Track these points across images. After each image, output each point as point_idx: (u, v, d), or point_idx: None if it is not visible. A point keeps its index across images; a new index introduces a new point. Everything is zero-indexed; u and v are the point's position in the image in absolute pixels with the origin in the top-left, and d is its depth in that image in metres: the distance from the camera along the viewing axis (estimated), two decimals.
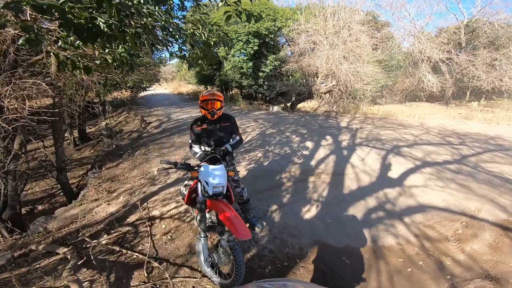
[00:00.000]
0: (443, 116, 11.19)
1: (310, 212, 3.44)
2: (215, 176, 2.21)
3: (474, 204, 3.61)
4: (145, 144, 7.18)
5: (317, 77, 12.05)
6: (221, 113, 2.62)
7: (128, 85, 8.06)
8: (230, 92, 18.98)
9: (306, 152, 5.45)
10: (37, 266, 2.80)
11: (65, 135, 10.43)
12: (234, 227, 1.95)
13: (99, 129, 12.41)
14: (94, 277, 2.45)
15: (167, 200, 3.82)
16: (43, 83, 3.62)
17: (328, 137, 6.63)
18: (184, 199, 2.62)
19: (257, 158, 5.18)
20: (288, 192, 3.91)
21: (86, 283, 2.37)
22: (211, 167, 2.26)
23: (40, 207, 5.79)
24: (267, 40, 13.85)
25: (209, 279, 2.35)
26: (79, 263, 2.55)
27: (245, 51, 13.63)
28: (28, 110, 3.46)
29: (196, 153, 2.66)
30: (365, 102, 12.37)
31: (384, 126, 8.20)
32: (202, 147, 2.72)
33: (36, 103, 5.31)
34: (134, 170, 5.44)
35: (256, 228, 3.00)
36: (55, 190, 6.40)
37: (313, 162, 4.96)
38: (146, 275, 2.44)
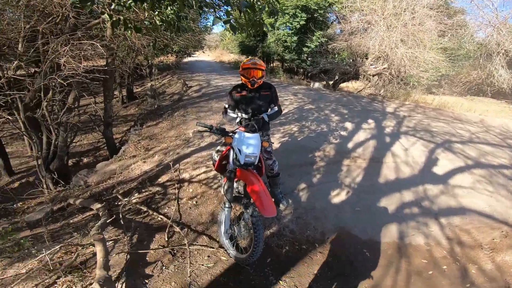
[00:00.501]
0: (509, 116, 9.75)
1: (339, 196, 3.28)
2: (249, 145, 2.14)
3: None
4: (184, 107, 7.42)
5: (366, 58, 11.19)
6: (261, 82, 2.51)
7: (174, 49, 8.25)
8: (271, 65, 18.58)
9: (344, 133, 5.16)
10: (71, 221, 2.99)
11: (115, 93, 11.37)
12: (261, 202, 1.89)
13: (144, 89, 13.15)
14: (119, 237, 2.55)
15: (198, 163, 3.88)
16: (99, 45, 3.82)
17: (370, 120, 6.17)
18: (214, 165, 2.62)
19: (292, 132, 5.02)
20: (320, 172, 3.76)
21: (111, 242, 2.47)
22: (246, 134, 2.19)
23: (85, 160, 6.29)
24: (315, 15, 13.12)
25: (225, 250, 2.36)
26: (108, 221, 2.65)
27: (291, 25, 13.07)
28: (83, 68, 3.68)
29: (233, 118, 2.60)
30: (419, 90, 11.20)
31: (437, 117, 7.39)
32: (239, 114, 2.65)
33: (91, 63, 5.70)
34: (171, 130, 5.67)
35: (281, 205, 2.94)
36: (100, 144, 6.93)
37: (350, 145, 4.68)
38: (166, 239, 2.51)
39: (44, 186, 4.25)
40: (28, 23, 3.67)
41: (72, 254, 2.34)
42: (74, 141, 6.93)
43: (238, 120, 2.57)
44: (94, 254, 2.17)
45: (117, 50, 5.29)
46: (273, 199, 3.04)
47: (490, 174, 4.19)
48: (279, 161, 3.90)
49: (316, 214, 2.94)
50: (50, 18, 3.82)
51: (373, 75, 10.92)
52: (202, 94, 8.83)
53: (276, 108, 2.62)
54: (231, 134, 2.26)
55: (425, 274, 2.36)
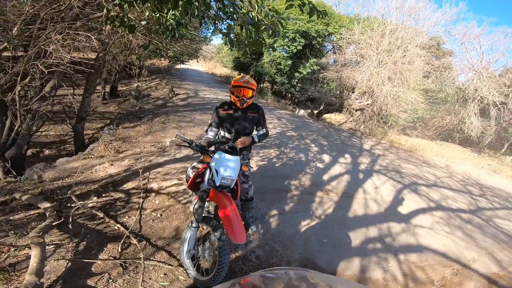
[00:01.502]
0: (472, 163, 10.52)
1: (309, 226, 3.30)
2: (228, 167, 2.09)
3: (471, 254, 3.51)
4: (166, 113, 7.28)
5: (353, 92, 11.55)
6: (251, 102, 2.46)
7: (168, 54, 8.17)
8: (262, 85, 18.85)
9: (320, 165, 5.29)
10: (11, 218, 2.65)
11: (97, 88, 10.98)
12: (231, 228, 1.84)
13: (129, 89, 12.82)
14: (63, 242, 2.32)
15: (170, 175, 3.75)
16: (94, 39, 3.74)
17: (347, 155, 6.40)
18: (187, 181, 2.52)
19: (271, 157, 5.05)
20: (293, 201, 3.78)
21: (52, 246, 2.24)
22: (226, 156, 2.12)
23: (47, 152, 5.85)
24: (313, 42, 13.39)
25: (185, 270, 2.24)
26: (54, 223, 2.38)
27: (288, 48, 13.33)
28: (70, 58, 3.55)
29: (209, 136, 2.54)
30: (395, 130, 11.79)
31: (407, 159, 7.81)
32: (222, 132, 2.59)
33: (82, 55, 5.50)
34: (148, 136, 5.49)
35: (250, 229, 2.89)
36: (68, 138, 6.53)
37: (325, 177, 4.79)
38: (119, 250, 2.32)
39: None
40: (33, 7, 3.52)
41: (3, 254, 2.08)
42: (40, 130, 6.46)
43: (212, 138, 2.52)
44: (28, 258, 1.98)
45: (111, 45, 5.15)
46: (243, 223, 3.02)
47: (449, 216, 4.47)
48: (254, 184, 3.90)
49: (284, 241, 2.93)
50: (56, 5, 3.69)
51: (356, 110, 11.34)
52: (187, 104, 8.75)
53: (264, 130, 2.59)
54: (210, 153, 2.21)
55: None
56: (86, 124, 7.50)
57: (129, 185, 3.43)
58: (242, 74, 21.56)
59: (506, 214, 5.33)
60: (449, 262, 3.28)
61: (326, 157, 5.80)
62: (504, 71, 14.11)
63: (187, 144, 2.14)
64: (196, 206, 2.10)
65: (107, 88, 10.93)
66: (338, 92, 12.09)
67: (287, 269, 1.30)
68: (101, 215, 2.71)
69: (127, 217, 2.83)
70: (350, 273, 2.76)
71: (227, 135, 2.55)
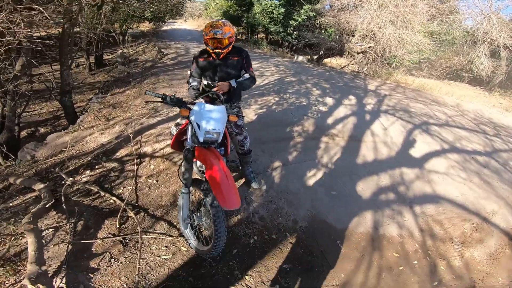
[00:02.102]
0: (482, 102, 10.03)
1: (315, 178, 3.05)
2: (210, 119, 1.77)
3: (491, 206, 3.20)
4: (156, 74, 6.82)
5: (353, 36, 10.95)
6: (229, 49, 2.11)
7: (146, 16, 7.40)
8: (256, 36, 17.70)
9: (324, 108, 4.91)
10: (10, 204, 2.50)
11: (81, 61, 10.40)
12: (220, 191, 1.56)
13: (116, 56, 12.10)
14: (60, 224, 2.16)
15: (163, 135, 3.48)
16: (46, 13, 3.26)
17: (351, 97, 5.97)
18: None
19: (270, 104, 4.69)
20: (297, 149, 3.50)
21: (51, 230, 2.11)
22: (207, 106, 1.81)
23: (42, 130, 5.64)
24: None
25: (186, 240, 2.07)
26: (47, 205, 2.24)
27: None
28: (27, 34, 3.20)
29: (193, 85, 2.21)
30: (400, 71, 11.18)
31: (416, 98, 7.35)
32: (205, 81, 2.27)
33: (49, 30, 4.99)
34: (138, 99, 5.15)
35: (252, 185, 2.66)
36: (61, 113, 6.20)
37: (329, 121, 4.45)
38: (118, 226, 2.16)
39: None
40: None
41: (5, 244, 1.97)
42: (30, 110, 6.25)
43: (197, 86, 2.20)
44: None
45: (74, 16, 4.63)
46: (243, 179, 2.76)
47: (464, 159, 4.15)
48: (254, 134, 3.60)
49: (289, 198, 2.70)
50: None
51: (358, 53, 10.73)
52: (178, 62, 8.19)
53: (247, 75, 2.21)
54: (188, 105, 1.88)
55: (395, 270, 2.23)
56: (78, 96, 7.29)
57: (121, 153, 3.22)
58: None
59: None
60: (468, 215, 3.02)
61: (329, 100, 5.40)
62: None
63: (160, 100, 1.82)
64: (182, 168, 1.84)
65: (92, 59, 10.40)
66: (337, 36, 11.32)
67: None
68: (96, 189, 2.54)
69: (122, 187, 2.65)
70: (363, 229, 2.55)
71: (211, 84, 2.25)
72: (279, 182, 2.89)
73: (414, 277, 2.19)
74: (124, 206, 2.30)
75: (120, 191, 2.60)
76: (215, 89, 2.01)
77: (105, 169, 2.91)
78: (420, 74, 13.84)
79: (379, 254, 2.33)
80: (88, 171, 2.87)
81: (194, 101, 1.93)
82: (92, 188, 2.55)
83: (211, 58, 2.15)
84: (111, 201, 2.43)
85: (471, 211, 3.08)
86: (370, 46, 10.20)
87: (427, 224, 2.77)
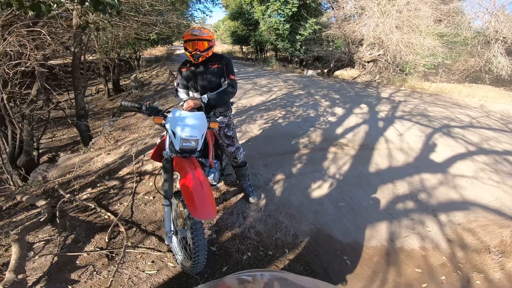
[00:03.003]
0: (508, 101, 9.36)
1: (321, 189, 2.82)
2: (186, 126, 1.66)
3: None
4: (165, 96, 6.99)
5: (361, 45, 10.81)
6: (210, 53, 2.05)
7: (152, 39, 7.83)
8: (265, 55, 18.04)
9: (332, 119, 4.71)
10: (14, 219, 2.63)
11: (101, 87, 11.02)
12: (192, 201, 1.43)
13: (131, 81, 12.74)
14: (52, 237, 2.19)
15: None
16: (50, 35, 3.50)
17: (363, 105, 5.72)
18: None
19: (276, 118, 4.55)
20: (301, 161, 3.30)
21: (42, 242, 2.14)
22: (183, 113, 1.71)
23: (62, 154, 5.95)
24: (308, 1, 12.68)
25: (174, 255, 1.95)
26: (41, 219, 2.32)
27: (282, 12, 12.60)
28: (41, 58, 3.42)
29: (180, 98, 2.17)
30: (415, 77, 10.80)
31: (434, 102, 6.95)
32: (191, 93, 2.23)
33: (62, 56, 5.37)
34: (147, 120, 5.26)
35: (250, 199, 2.51)
36: (80, 138, 6.60)
37: (339, 130, 4.23)
38: (107, 240, 2.12)
39: (11, 182, 3.92)
40: None
41: None
42: (53, 136, 6.61)
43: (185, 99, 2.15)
44: None
45: (84, 41, 4.95)
46: (241, 193, 2.61)
47: (495, 161, 3.77)
48: (257, 149, 3.48)
49: (290, 211, 2.48)
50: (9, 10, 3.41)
51: (368, 62, 10.51)
52: None
53: (226, 83, 2.11)
54: (164, 112, 1.79)
55: (417, 287, 1.91)
56: (98, 122, 7.59)
57: (124, 171, 3.26)
58: (243, 49, 20.95)
59: None
60: (506, 220, 2.65)
61: (339, 110, 5.19)
62: None
63: (136, 109, 1.76)
64: (162, 179, 1.74)
65: (110, 85, 10.98)
66: (345, 48, 11.21)
67: (264, 271, 1.25)
68: (93, 205, 2.59)
69: (118, 204, 2.65)
70: (375, 243, 2.25)
71: (195, 94, 2.19)
72: (280, 195, 2.69)
73: None
74: (116, 221, 2.28)
75: (116, 207, 2.59)
76: (183, 106, 1.92)
77: (106, 187, 2.96)
78: (438, 79, 13.35)
79: (396, 270, 2.03)
80: (89, 189, 2.94)
81: (170, 109, 1.84)
82: (90, 204, 2.61)
83: (192, 67, 2.10)
84: (106, 216, 2.45)
85: (508, 216, 2.71)
86: (379, 54, 9.98)
87: (456, 234, 2.43)
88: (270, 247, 2.13)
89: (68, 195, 2.70)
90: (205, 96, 2.00)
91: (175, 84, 2.22)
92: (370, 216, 2.53)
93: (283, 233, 2.27)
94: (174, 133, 1.67)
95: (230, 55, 19.71)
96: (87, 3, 1.39)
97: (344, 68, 12.16)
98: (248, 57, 19.20)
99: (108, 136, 4.87)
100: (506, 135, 4.97)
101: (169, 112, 1.78)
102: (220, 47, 24.06)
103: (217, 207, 2.49)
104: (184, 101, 1.93)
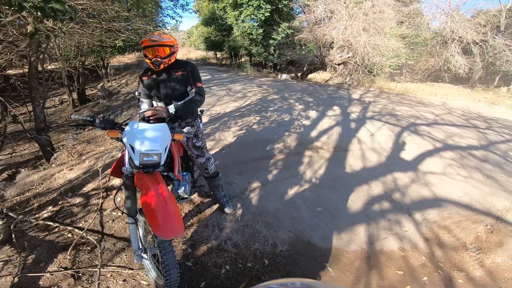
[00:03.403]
0: (468, 98, 10.12)
1: (297, 195, 2.79)
2: (145, 139, 1.53)
3: (502, 202, 2.94)
4: (135, 105, 6.67)
5: (331, 48, 11.18)
6: (173, 60, 1.93)
7: (118, 45, 7.46)
8: (240, 60, 18.05)
9: (307, 122, 4.74)
10: None
11: (65, 97, 10.31)
12: (155, 218, 1.33)
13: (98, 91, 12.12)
14: (11, 258, 2.02)
15: None
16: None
17: (336, 107, 5.85)
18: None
19: (251, 124, 4.49)
20: (277, 167, 3.26)
21: (0, 263, 1.98)
22: (141, 125, 1.58)
23: (23, 170, 5.50)
24: (280, 6, 12.89)
25: (147, 273, 1.83)
26: None
27: (256, 17, 12.72)
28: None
29: (141, 109, 2.03)
30: (382, 78, 11.36)
31: (401, 102, 7.30)
32: (154, 103, 2.09)
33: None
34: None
35: (225, 210, 2.42)
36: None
37: (313, 134, 4.26)
38: (69, 258, 1.97)
39: None
40: None
41: None
42: (11, 151, 6.07)
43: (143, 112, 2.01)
44: None
45: (43, 49, 4.56)
46: (216, 204, 2.51)
47: (461, 156, 3.97)
48: (231, 157, 3.39)
49: (268, 219, 2.42)
50: None
51: (339, 64, 10.88)
52: None
53: (193, 93, 1.99)
54: (121, 125, 1.64)
55: None
56: (62, 135, 7.07)
57: (88, 187, 3.05)
58: (217, 55, 20.82)
59: None
60: (478, 215, 2.74)
61: (313, 113, 5.25)
62: (475, 13, 14.23)
63: (88, 123, 1.59)
64: (124, 195, 1.62)
65: (75, 95, 10.33)
66: (316, 51, 11.54)
67: (295, 280, 1.21)
68: (54, 224, 2.41)
69: (83, 221, 2.46)
70: (355, 247, 2.23)
71: (159, 104, 2.05)
72: (256, 204, 2.62)
73: None
74: (82, 239, 2.16)
75: (81, 224, 2.42)
76: (147, 113, 1.78)
77: (68, 204, 2.76)
78: (402, 79, 14.14)
79: (378, 274, 2.02)
80: (50, 207, 2.73)
81: (127, 121, 1.70)
82: (50, 223, 2.42)
83: (154, 75, 1.96)
84: (69, 234, 2.29)
85: (480, 211, 2.81)
86: (349, 56, 10.38)
87: (432, 232, 2.48)
88: (248, 258, 2.05)
89: (20, 216, 2.47)
90: (171, 106, 1.88)
91: (136, 94, 2.07)
92: (348, 220, 2.52)
93: (261, 243, 2.19)
94: (132, 148, 1.53)
95: (205, 61, 19.48)
96: (28, 11, 1.23)
97: (317, 71, 12.45)
98: (223, 62, 19.09)
99: (72, 150, 4.56)
100: (469, 130, 5.30)
101: (126, 124, 1.62)
102: (194, 53, 23.79)
103: (191, 220, 2.37)
104: (147, 110, 1.79)
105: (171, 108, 1.85)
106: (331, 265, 2.04)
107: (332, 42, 10.95)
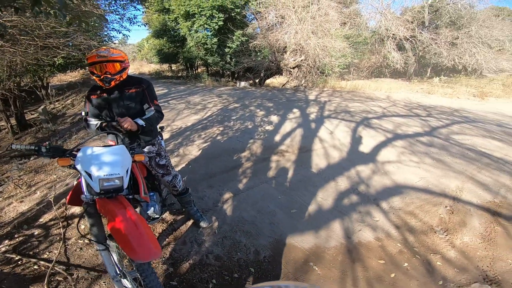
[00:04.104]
0: (407, 90, 11.33)
1: (271, 200, 2.83)
2: (103, 164, 1.43)
3: (454, 183, 3.25)
4: (86, 127, 6.15)
5: (285, 52, 11.61)
6: (124, 76, 1.82)
7: (57, 62, 6.78)
8: (196, 71, 17.76)
9: (270, 127, 4.86)
10: None
11: (2, 124, 9.05)
12: (128, 243, 1.26)
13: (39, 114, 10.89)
14: None
15: None
16: None
17: (295, 110, 6.09)
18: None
19: (215, 135, 4.47)
20: (246, 175, 3.29)
21: None
22: (96, 149, 1.48)
23: None
24: (233, 15, 12.96)
25: None
26: None
27: (209, 27, 12.64)
28: None
29: (93, 124, 1.86)
30: (333, 77, 12.15)
31: (352, 98, 7.89)
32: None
33: None
34: None
35: (201, 224, 2.36)
36: None
37: (277, 138, 4.38)
38: None
39: None
40: None
41: None
42: None
43: (97, 125, 1.86)
44: None
45: None
46: (190, 220, 2.44)
47: (410, 144, 4.35)
48: (199, 171, 3.33)
49: (245, 228, 2.42)
50: None
51: (293, 68, 11.35)
52: None
53: (152, 109, 1.91)
54: (72, 151, 1.51)
55: (387, 279, 1.97)
56: (5, 166, 6.18)
57: (45, 218, 2.82)
58: (172, 67, 20.15)
59: (459, 128, 5.42)
60: (437, 198, 2.95)
61: (275, 118, 5.40)
62: (403, 10, 15.70)
63: (33, 152, 1.46)
64: (88, 224, 1.53)
65: (13, 121, 9.14)
66: (271, 56, 11.91)
67: (288, 283, 1.16)
68: (16, 257, 2.22)
69: (48, 252, 2.28)
70: (335, 243, 2.30)
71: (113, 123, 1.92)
72: (231, 214, 2.60)
73: (413, 282, 1.96)
74: (52, 270, 1.98)
75: (46, 256, 2.24)
76: (121, 121, 1.70)
77: (26, 236, 2.53)
78: (351, 78, 15.28)
79: (362, 266, 2.10)
80: (6, 241, 2.49)
81: (79, 147, 1.57)
82: (12, 256, 2.23)
83: (105, 94, 1.83)
84: (36, 266, 2.11)
85: (437, 193, 3.04)
86: (302, 59, 10.90)
87: (400, 219, 2.63)
88: (234, 269, 2.02)
89: None
90: (139, 119, 1.78)
91: (83, 114, 1.88)
92: (323, 217, 2.62)
93: (243, 252, 2.18)
94: (89, 174, 1.42)
95: (159, 74, 18.76)
96: None
97: (274, 76, 12.84)
98: (179, 75, 18.54)
99: (18, 182, 4.09)
100: (413, 119, 5.91)
101: (78, 150, 1.50)
102: (147, 67, 22.81)
103: (167, 239, 2.28)
104: (116, 121, 1.70)
105: (140, 121, 1.77)
106: (316, 264, 2.09)
107: (285, 47, 11.36)
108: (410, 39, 14.12)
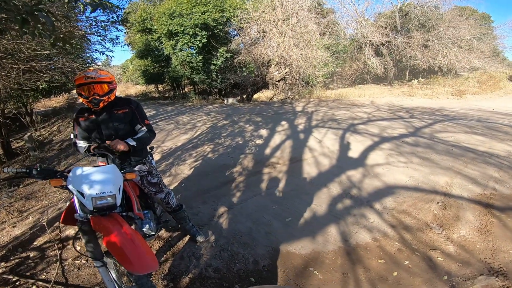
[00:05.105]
0: (389, 94, 11.75)
1: (265, 211, 2.87)
2: (94, 183, 1.47)
3: (443, 179, 3.35)
4: (75, 153, 6.07)
5: (270, 66, 11.88)
6: (112, 97, 1.85)
7: (41, 88, 6.70)
8: (183, 90, 17.84)
9: (259, 141, 4.95)
10: None
11: None
12: (124, 256, 1.30)
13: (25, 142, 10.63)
14: None
15: None
16: None
17: (283, 122, 6.24)
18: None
19: (206, 153, 4.52)
20: (239, 189, 3.33)
21: None
22: (86, 169, 1.52)
23: None
24: (216, 32, 13.19)
25: None
26: None
27: (193, 45, 12.80)
28: None
29: (82, 147, 1.89)
30: (318, 87, 12.49)
31: (338, 107, 8.14)
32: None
33: None
34: None
35: (198, 239, 2.37)
36: None
37: (267, 151, 4.46)
38: None
39: None
40: None
41: None
42: None
43: (85, 148, 1.89)
44: None
45: None
46: (187, 236, 2.45)
47: (396, 145, 4.51)
48: (192, 188, 3.36)
49: (242, 239, 2.44)
50: None
51: (279, 81, 11.63)
52: None
53: (144, 129, 1.95)
54: (63, 172, 1.55)
55: (390, 278, 1.96)
56: None
57: (40, 241, 2.80)
58: (159, 88, 20.09)
59: (442, 126, 5.65)
60: (428, 195, 3.01)
61: (264, 132, 5.52)
62: (376, 16, 16.42)
63: (24, 175, 1.50)
64: (84, 241, 1.54)
65: None
66: (256, 71, 12.16)
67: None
68: (14, 278, 2.20)
69: (45, 273, 2.26)
70: (333, 247, 2.33)
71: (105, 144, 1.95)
72: (227, 227, 2.62)
73: (416, 279, 1.96)
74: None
75: (44, 276, 2.21)
76: (111, 144, 1.73)
77: (22, 258, 2.51)
78: (335, 86, 15.71)
79: (363, 267, 2.11)
80: (2, 263, 2.46)
81: (70, 167, 1.60)
82: (10, 277, 2.20)
83: (93, 116, 1.85)
84: (34, 287, 2.08)
85: (427, 190, 3.12)
86: (286, 72, 11.21)
87: (395, 218, 2.66)
88: (234, 280, 2.03)
89: None
90: (130, 139, 1.82)
91: (72, 136, 1.91)
92: (318, 223, 2.66)
93: (242, 263, 2.19)
94: (81, 193, 1.45)
95: (146, 95, 18.75)
96: None
97: (261, 90, 13.04)
98: (166, 95, 18.53)
99: (10, 209, 4.03)
100: (397, 122, 6.14)
101: (69, 171, 1.53)
102: (133, 89, 22.70)
103: (164, 255, 2.28)
104: (108, 142, 1.73)
105: (130, 141, 1.80)
106: (316, 269, 2.10)
107: (269, 60, 11.63)
108: (386, 44, 14.73)
